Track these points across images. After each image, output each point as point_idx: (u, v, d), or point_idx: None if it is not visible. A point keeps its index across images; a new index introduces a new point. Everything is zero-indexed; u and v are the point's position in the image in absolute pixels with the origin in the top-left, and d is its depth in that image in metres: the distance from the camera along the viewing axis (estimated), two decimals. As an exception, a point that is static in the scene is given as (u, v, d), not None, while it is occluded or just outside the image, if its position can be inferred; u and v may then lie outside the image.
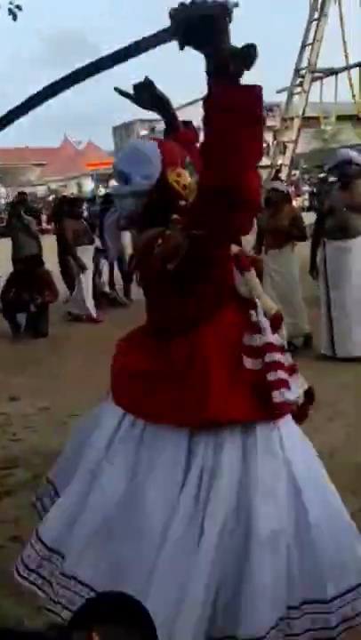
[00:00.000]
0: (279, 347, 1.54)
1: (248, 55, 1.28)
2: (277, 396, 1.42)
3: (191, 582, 1.25)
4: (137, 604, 0.85)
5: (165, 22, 1.25)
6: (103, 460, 1.48)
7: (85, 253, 7.32)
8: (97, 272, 8.26)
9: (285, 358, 1.55)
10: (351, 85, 11.22)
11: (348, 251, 4.70)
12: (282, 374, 1.46)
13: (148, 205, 1.44)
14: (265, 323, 1.50)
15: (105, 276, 8.47)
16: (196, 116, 1.65)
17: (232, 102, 1.20)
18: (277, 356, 1.49)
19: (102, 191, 20.28)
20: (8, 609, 2.04)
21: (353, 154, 4.84)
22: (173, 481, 1.35)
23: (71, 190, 38.19)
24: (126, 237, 8.78)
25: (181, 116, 2.19)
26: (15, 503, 2.83)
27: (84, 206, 27.91)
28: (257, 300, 1.54)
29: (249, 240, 5.54)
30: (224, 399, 1.36)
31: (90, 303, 7.29)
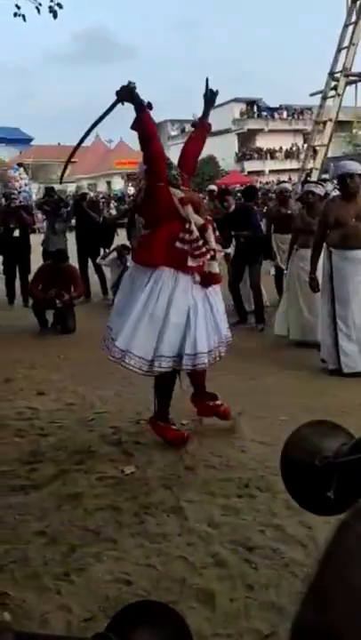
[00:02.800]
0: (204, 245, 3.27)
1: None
2: (190, 261, 3.20)
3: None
4: (171, 611, 0.85)
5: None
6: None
7: None
8: (125, 269, 8.33)
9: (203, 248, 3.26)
10: (387, 90, 11.06)
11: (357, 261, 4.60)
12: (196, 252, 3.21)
13: None
14: (194, 228, 3.22)
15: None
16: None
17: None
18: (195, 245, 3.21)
19: (132, 190, 20.33)
20: (32, 605, 2.08)
21: (356, 165, 4.69)
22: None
23: (100, 188, 38.55)
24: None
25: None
26: (41, 498, 2.87)
27: (113, 204, 28.03)
28: (190, 218, 3.23)
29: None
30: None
31: None
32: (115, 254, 8.52)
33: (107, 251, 8.73)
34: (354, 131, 30.05)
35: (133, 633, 0.80)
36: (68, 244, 8.66)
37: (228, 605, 2.09)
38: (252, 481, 2.93)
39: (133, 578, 2.20)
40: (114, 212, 25.71)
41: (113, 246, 8.77)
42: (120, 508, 2.73)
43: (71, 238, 9.03)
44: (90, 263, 8.87)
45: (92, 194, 12.30)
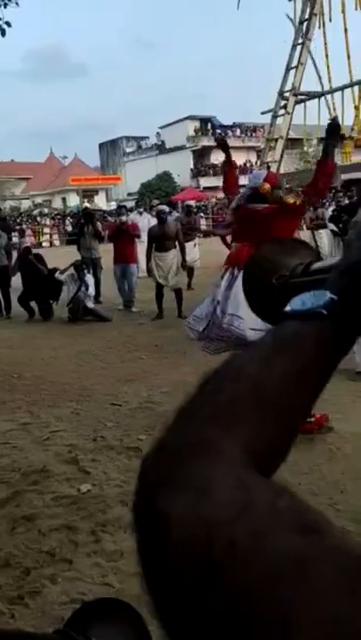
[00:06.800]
0: None
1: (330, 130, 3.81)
2: None
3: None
4: (130, 608, 0.85)
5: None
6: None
7: None
8: (82, 285, 8.27)
9: None
10: (334, 109, 11.46)
11: None
12: None
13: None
14: None
15: (91, 289, 8.48)
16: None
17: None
18: None
19: (89, 206, 20.28)
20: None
21: None
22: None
23: (55, 204, 38.22)
24: (100, 248, 9.10)
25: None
26: (-7, 520, 2.78)
27: (68, 220, 27.96)
28: None
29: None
30: None
31: None
32: (72, 270, 8.46)
33: (55, 303, 8.67)
34: (305, 147, 31.09)
35: (92, 628, 0.79)
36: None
37: (186, 620, 2.07)
38: (210, 493, 2.92)
39: (89, 597, 2.15)
40: (69, 228, 25.57)
41: (71, 261, 8.71)
42: (76, 528, 2.68)
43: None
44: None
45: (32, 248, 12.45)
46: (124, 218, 9.14)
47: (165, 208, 8.21)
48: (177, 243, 7.81)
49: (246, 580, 0.26)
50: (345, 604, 0.24)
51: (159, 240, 7.71)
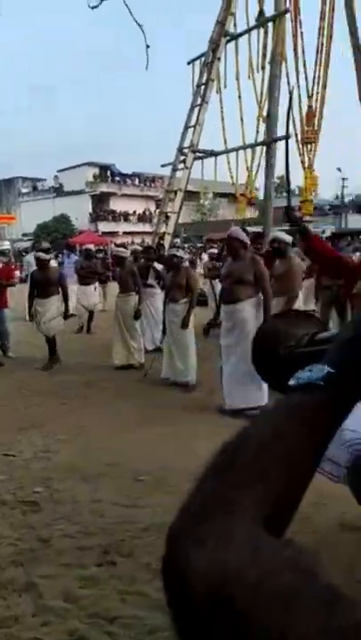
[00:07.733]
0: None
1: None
2: None
3: None
4: None
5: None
6: None
7: None
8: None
9: None
10: (230, 169, 12.24)
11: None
12: None
13: None
14: None
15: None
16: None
17: None
18: None
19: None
20: None
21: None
22: None
23: None
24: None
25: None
26: None
27: None
28: None
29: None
30: None
31: None
32: None
33: None
34: (201, 200, 32.77)
35: None
36: None
37: None
38: (112, 546, 2.81)
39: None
40: None
41: None
42: (-36, 593, 2.44)
43: None
44: None
45: None
46: None
47: (43, 255, 7.68)
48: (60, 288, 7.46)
49: (251, 611, 0.31)
50: (320, 630, 0.30)
51: (41, 286, 7.42)
